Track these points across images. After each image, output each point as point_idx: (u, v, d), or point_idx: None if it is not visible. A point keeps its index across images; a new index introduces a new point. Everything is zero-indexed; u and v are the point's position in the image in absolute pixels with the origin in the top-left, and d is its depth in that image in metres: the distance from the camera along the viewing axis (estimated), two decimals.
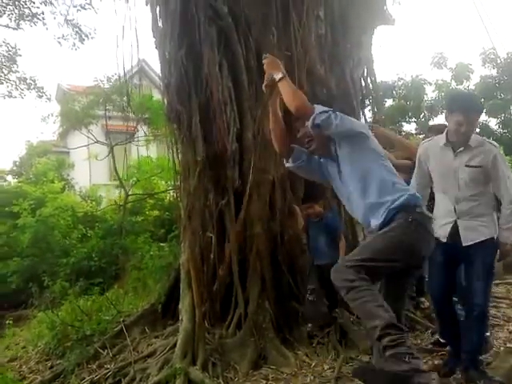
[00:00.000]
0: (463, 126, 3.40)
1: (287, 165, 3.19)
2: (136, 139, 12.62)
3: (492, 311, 5.70)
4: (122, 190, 11.81)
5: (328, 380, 4.24)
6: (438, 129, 4.34)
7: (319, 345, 4.96)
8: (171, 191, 10.60)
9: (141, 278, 8.07)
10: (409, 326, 5.11)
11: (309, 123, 2.86)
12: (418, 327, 5.23)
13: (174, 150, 5.82)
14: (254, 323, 4.96)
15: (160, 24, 5.94)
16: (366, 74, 6.99)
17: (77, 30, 11.31)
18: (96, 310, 6.76)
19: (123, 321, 6.03)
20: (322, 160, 3.12)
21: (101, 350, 5.51)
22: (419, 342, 4.89)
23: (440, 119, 21.02)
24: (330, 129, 2.85)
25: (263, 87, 3.09)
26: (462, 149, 3.50)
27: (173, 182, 8.04)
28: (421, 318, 5.41)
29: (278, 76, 2.94)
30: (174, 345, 4.90)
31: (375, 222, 2.80)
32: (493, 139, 18.84)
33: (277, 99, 3.06)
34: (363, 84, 6.97)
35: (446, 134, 3.58)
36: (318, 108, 2.87)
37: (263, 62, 3.07)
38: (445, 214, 3.62)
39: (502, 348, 4.49)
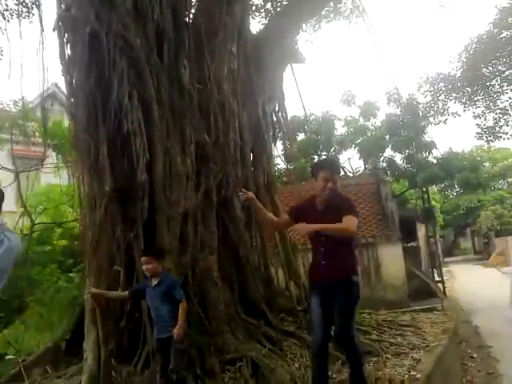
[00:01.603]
0: None
1: None
2: (44, 166, 12.04)
3: (398, 339, 5.92)
4: (28, 218, 11.19)
5: None
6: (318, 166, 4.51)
7: (231, 380, 4.86)
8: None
9: (44, 313, 7.62)
10: None
11: None
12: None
13: (81, 179, 5.64)
14: None
15: (68, 51, 5.77)
16: (277, 109, 7.20)
17: None
18: None
19: (23, 360, 5.67)
20: None
21: None
22: (330, 374, 4.85)
23: (349, 153, 21.99)
24: None
25: None
26: None
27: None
28: (331, 350, 5.47)
29: None
30: None
31: None
32: (398, 174, 20.05)
33: None
34: (275, 118, 7.17)
35: None
36: None
37: None
38: None
39: (406, 376, 4.65)
